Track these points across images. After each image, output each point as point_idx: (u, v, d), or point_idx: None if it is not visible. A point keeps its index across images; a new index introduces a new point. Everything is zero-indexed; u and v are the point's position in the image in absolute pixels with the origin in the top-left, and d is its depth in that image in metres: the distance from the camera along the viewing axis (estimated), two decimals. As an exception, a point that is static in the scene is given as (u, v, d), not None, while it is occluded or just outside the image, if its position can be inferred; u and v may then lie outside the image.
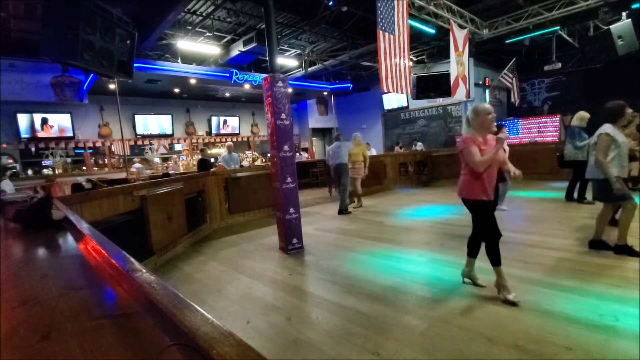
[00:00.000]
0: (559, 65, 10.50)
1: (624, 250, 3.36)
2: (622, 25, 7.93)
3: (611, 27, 7.97)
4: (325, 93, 14.51)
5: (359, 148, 6.92)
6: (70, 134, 10.02)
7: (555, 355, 1.95)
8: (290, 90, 4.66)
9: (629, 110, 3.63)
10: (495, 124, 2.75)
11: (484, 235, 2.77)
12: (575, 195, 5.88)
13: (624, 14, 7.96)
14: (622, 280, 2.85)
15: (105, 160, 11.20)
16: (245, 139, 14.60)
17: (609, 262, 3.25)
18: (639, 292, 2.51)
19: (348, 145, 6.73)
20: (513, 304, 2.54)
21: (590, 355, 1.93)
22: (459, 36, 7.61)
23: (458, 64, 7.66)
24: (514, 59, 11.34)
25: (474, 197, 2.71)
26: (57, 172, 9.84)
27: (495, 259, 2.69)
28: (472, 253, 2.96)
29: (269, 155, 5.17)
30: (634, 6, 7.81)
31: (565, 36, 9.80)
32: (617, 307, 2.41)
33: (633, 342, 2.01)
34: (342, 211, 6.58)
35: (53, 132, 9.73)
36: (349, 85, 13.78)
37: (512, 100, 12.41)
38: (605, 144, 3.31)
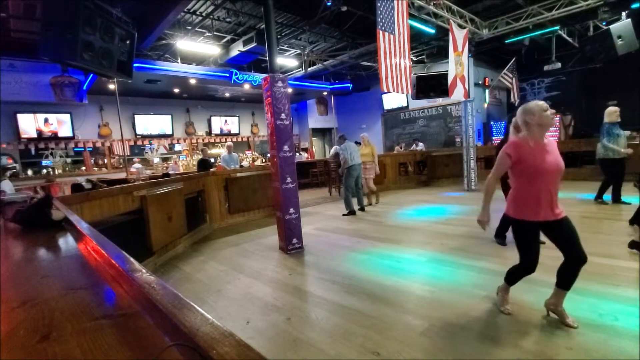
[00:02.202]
0: (559, 65, 10.50)
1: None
2: (621, 25, 7.93)
3: (611, 26, 7.97)
4: (325, 93, 14.51)
5: (369, 148, 7.12)
6: (70, 134, 10.02)
7: (556, 355, 1.95)
8: (290, 90, 4.66)
9: None
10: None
11: (521, 261, 2.33)
12: (607, 196, 5.58)
13: (623, 13, 7.96)
14: (621, 279, 2.85)
15: (105, 160, 11.20)
16: (245, 139, 14.60)
17: (607, 262, 3.25)
18: (639, 292, 2.50)
19: (354, 146, 6.68)
20: (572, 327, 2.22)
21: (590, 355, 1.93)
22: (458, 36, 7.60)
23: (457, 64, 7.65)
24: (513, 59, 11.33)
25: (515, 216, 2.25)
26: (57, 172, 9.84)
27: (566, 283, 2.24)
28: (511, 281, 2.47)
29: (268, 155, 5.17)
30: (634, 6, 7.81)
31: (565, 36, 9.80)
32: (617, 307, 2.42)
33: (633, 342, 2.01)
34: (363, 209, 6.71)
35: (53, 132, 9.72)
36: (349, 85, 13.78)
37: (512, 100, 12.38)
38: None
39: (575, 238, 2.19)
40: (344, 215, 6.43)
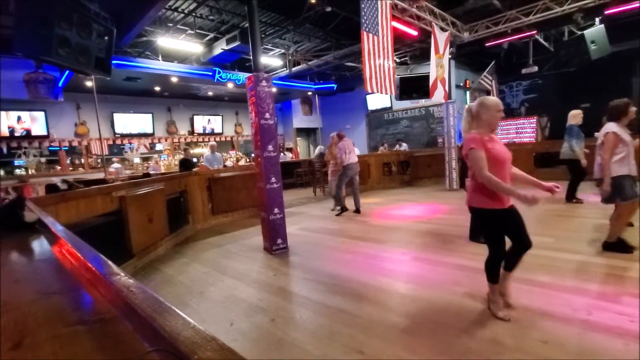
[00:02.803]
0: (536, 68, 10.86)
1: (617, 246, 3.40)
2: (595, 30, 8.27)
3: (585, 32, 8.30)
4: (309, 93, 14.51)
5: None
6: (45, 133, 9.64)
7: (533, 349, 2.02)
8: (274, 89, 4.63)
9: (633, 109, 3.48)
10: None
11: (494, 253, 2.38)
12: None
13: (597, 19, 8.31)
14: (594, 275, 2.97)
15: (82, 160, 10.84)
16: (228, 139, 14.42)
17: (581, 258, 3.38)
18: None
19: (351, 144, 6.59)
20: (511, 306, 2.45)
21: (565, 349, 2.00)
22: (440, 39, 7.75)
23: (438, 66, 7.80)
24: (493, 62, 11.65)
25: (485, 206, 2.29)
26: (30, 172, 9.46)
27: (512, 265, 2.41)
28: (493, 278, 2.44)
29: (252, 155, 5.12)
30: (607, 12, 8.15)
31: (541, 40, 10.13)
32: (590, 302, 2.52)
33: (606, 336, 2.09)
34: (359, 210, 6.50)
35: (25, 129, 9.33)
36: (333, 85, 13.83)
37: (492, 101, 12.74)
38: (613, 143, 3.22)
39: (524, 226, 2.34)
40: (337, 215, 6.39)
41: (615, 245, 3.42)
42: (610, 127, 3.30)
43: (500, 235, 2.35)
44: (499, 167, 2.25)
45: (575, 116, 5.69)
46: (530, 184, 2.38)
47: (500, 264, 2.40)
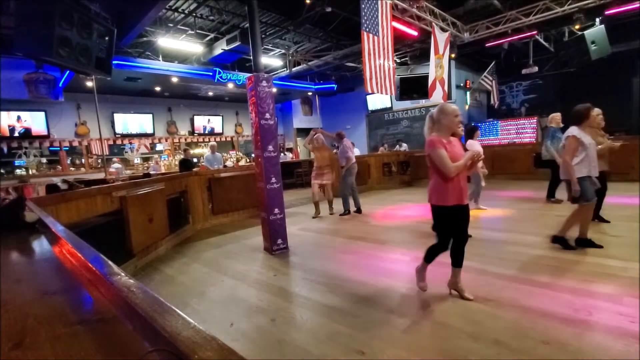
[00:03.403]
0: (536, 68, 10.87)
1: (585, 243, 3.60)
2: (595, 30, 8.27)
3: (585, 32, 8.30)
4: (309, 93, 14.51)
5: (327, 151, 6.45)
6: (45, 133, 9.64)
7: (534, 350, 2.02)
8: (274, 90, 4.64)
9: (595, 112, 3.78)
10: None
11: (440, 242, 2.72)
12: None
13: (597, 20, 8.30)
14: (594, 275, 2.97)
15: (83, 160, 10.84)
16: (229, 139, 14.43)
17: (580, 258, 3.38)
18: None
19: (351, 143, 6.56)
20: (469, 299, 2.68)
21: (566, 349, 2.00)
22: (440, 39, 7.75)
23: (437, 66, 7.81)
24: (493, 62, 11.66)
25: (441, 203, 2.58)
26: (31, 172, 9.46)
27: (459, 261, 2.72)
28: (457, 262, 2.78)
29: (253, 155, 5.12)
30: (607, 12, 8.15)
31: (541, 41, 10.14)
32: (590, 302, 2.51)
33: (606, 336, 2.09)
34: (359, 210, 6.45)
35: (25, 127, 9.32)
36: (334, 85, 13.83)
37: (492, 102, 12.77)
38: (573, 146, 3.45)
39: (468, 222, 2.70)
40: (340, 215, 6.35)
41: (561, 240, 3.67)
42: (571, 130, 3.52)
43: (448, 228, 2.66)
44: None
45: (554, 118, 5.83)
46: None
47: (440, 253, 2.75)
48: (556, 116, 5.84)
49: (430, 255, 2.80)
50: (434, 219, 2.69)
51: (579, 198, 3.47)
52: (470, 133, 5.50)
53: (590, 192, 3.44)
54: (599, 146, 3.94)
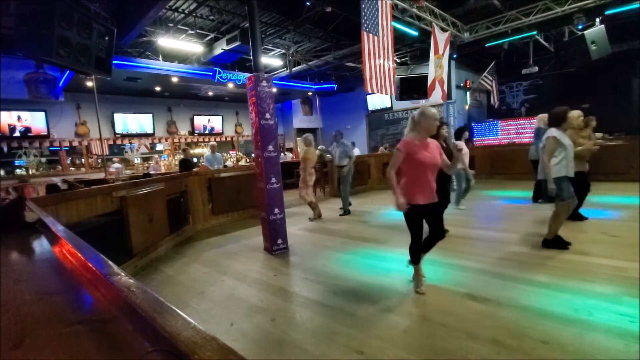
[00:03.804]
0: (536, 69, 10.85)
1: (554, 243, 3.67)
2: (595, 30, 8.26)
3: (585, 32, 8.29)
4: (309, 93, 14.50)
5: (313, 152, 6.25)
6: (45, 133, 9.64)
7: (533, 350, 2.02)
8: (274, 90, 4.63)
9: (574, 114, 3.94)
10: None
11: (413, 240, 2.86)
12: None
13: (597, 20, 8.29)
14: (594, 275, 2.97)
15: (83, 160, 10.84)
16: (229, 139, 14.42)
17: (580, 258, 3.38)
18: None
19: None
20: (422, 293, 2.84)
21: (566, 349, 2.00)
22: (440, 39, 7.75)
23: (437, 66, 7.80)
24: (493, 62, 11.64)
25: (412, 202, 2.68)
26: (31, 172, 9.45)
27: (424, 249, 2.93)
28: (416, 259, 2.97)
29: (253, 155, 5.11)
30: (607, 12, 8.14)
31: (541, 41, 10.13)
32: (591, 302, 2.51)
33: (606, 336, 2.09)
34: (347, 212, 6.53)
35: (25, 127, 9.31)
36: (334, 85, 13.81)
37: (492, 102, 12.76)
38: (552, 147, 3.53)
39: (442, 219, 2.90)
40: (341, 215, 6.41)
41: (553, 242, 3.70)
42: (550, 132, 3.60)
43: (416, 225, 2.79)
44: (420, 170, 2.70)
45: (542, 119, 5.88)
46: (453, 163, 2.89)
47: (418, 249, 2.87)
48: (544, 117, 5.84)
49: (413, 256, 2.91)
50: (404, 216, 2.78)
51: (555, 197, 3.53)
52: (458, 133, 5.77)
53: (567, 192, 3.51)
54: (578, 147, 4.07)
